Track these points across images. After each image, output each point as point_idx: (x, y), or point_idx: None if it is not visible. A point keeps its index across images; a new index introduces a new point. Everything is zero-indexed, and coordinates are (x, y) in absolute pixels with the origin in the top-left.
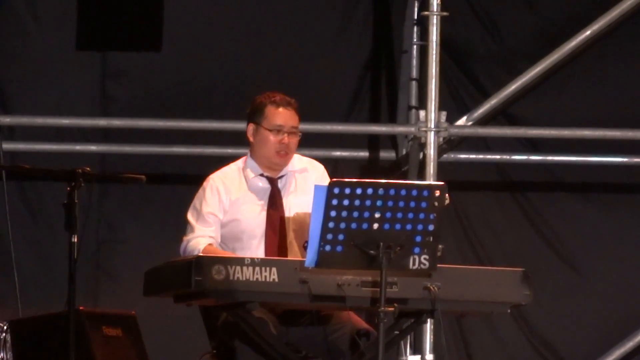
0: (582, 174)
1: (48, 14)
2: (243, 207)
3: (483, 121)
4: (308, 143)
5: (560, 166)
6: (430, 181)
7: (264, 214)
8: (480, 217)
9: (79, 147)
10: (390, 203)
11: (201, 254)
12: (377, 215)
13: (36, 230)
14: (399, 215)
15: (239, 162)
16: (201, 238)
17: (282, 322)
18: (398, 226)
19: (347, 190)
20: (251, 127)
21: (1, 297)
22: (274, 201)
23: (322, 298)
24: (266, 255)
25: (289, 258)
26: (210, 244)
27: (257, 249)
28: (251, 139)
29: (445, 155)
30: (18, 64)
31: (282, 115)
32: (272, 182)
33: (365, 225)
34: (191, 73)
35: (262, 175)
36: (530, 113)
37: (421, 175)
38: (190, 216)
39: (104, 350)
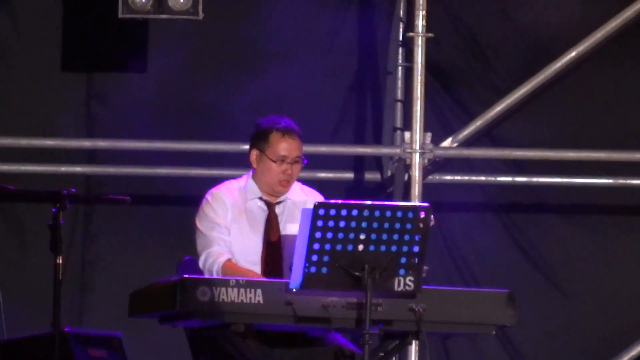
0: (567, 195)
1: (33, 34)
2: (241, 227)
3: (468, 143)
4: None
5: (545, 187)
6: (415, 202)
7: (260, 237)
8: (465, 238)
9: (63, 169)
10: (375, 224)
11: (186, 276)
12: (362, 236)
13: (20, 252)
14: (384, 236)
15: (240, 182)
16: (220, 252)
17: (267, 343)
18: (383, 247)
19: (332, 212)
20: (254, 153)
21: None
22: (271, 225)
23: (307, 319)
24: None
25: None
26: (229, 260)
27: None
28: (254, 164)
29: (430, 177)
30: (2, 85)
31: (286, 146)
32: (270, 206)
33: (350, 247)
34: (176, 93)
35: (260, 198)
36: (515, 134)
37: (406, 196)
38: (201, 227)
39: None
